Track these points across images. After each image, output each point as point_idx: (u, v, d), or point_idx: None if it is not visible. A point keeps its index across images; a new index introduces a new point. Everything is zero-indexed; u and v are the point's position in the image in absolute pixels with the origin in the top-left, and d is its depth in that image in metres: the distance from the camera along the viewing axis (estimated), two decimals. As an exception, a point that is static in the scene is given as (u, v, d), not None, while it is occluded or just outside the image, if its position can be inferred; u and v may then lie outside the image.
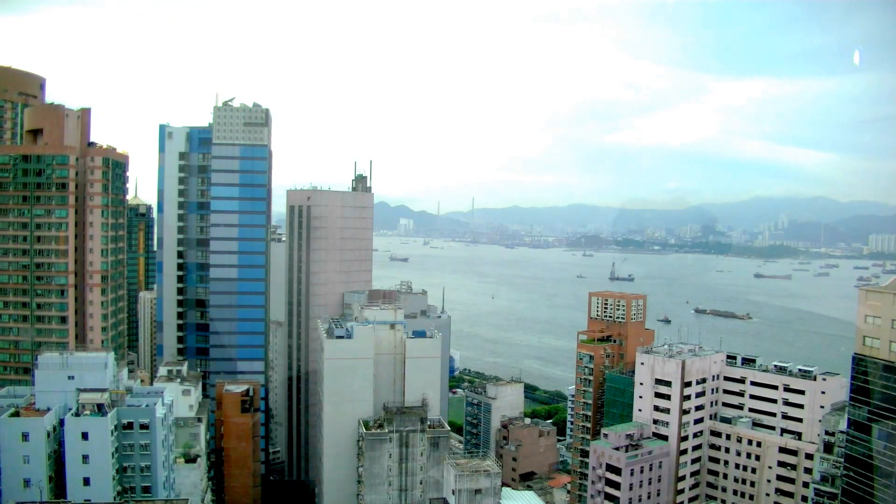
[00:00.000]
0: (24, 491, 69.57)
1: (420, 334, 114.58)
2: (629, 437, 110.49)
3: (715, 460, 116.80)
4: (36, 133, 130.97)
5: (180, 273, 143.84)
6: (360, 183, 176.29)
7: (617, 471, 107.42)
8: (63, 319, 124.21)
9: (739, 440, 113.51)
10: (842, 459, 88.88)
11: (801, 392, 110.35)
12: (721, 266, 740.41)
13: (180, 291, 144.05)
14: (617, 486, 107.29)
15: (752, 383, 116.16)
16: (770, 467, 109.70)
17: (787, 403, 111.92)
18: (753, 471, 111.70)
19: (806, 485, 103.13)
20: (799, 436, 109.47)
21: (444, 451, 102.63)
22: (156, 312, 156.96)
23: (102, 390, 75.29)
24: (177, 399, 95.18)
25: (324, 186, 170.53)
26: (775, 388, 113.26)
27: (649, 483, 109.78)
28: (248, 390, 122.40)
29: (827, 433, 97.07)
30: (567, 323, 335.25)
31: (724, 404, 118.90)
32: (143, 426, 75.73)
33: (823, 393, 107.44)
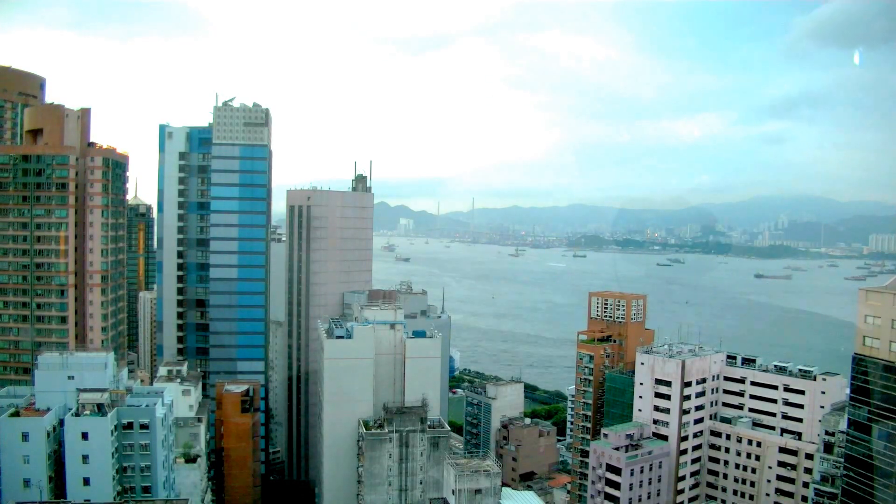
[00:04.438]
0: (24, 491, 69.52)
1: (420, 334, 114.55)
2: (629, 437, 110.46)
3: (715, 460, 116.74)
4: (36, 133, 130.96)
5: (180, 273, 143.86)
6: (360, 183, 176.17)
7: (617, 471, 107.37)
8: (63, 319, 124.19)
9: (739, 440, 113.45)
10: (842, 459, 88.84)
11: (801, 392, 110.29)
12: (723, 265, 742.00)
13: (180, 291, 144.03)
14: (617, 486, 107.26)
15: (752, 383, 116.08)
16: (770, 467, 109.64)
17: (787, 403, 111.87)
18: (753, 471, 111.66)
19: (806, 485, 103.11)
20: (799, 436, 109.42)
21: (444, 451, 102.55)
22: (156, 312, 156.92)
23: (102, 390, 75.21)
24: (177, 399, 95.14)
25: (324, 186, 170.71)
26: (775, 388, 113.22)
27: (649, 483, 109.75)
28: (248, 390, 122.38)
29: (827, 433, 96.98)
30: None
31: (724, 404, 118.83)
32: (143, 426, 75.66)
33: (823, 393, 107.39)
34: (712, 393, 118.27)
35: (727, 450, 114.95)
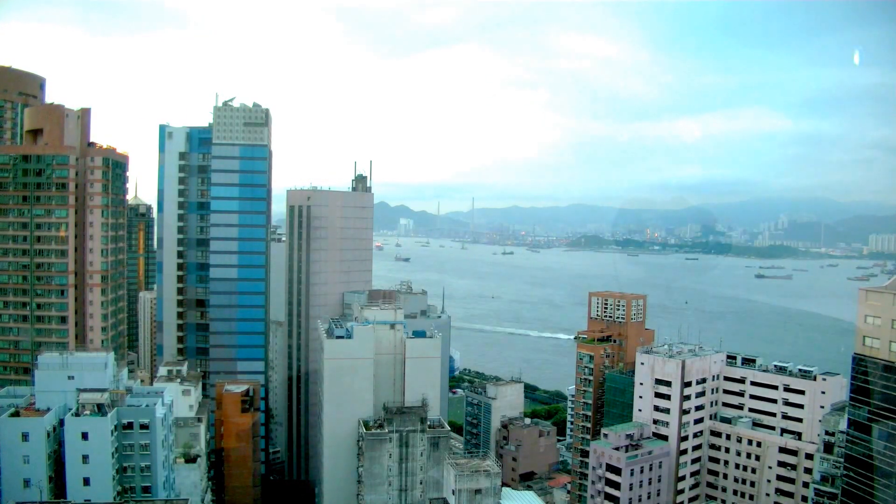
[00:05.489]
0: (24, 491, 69.44)
1: (420, 334, 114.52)
2: (629, 437, 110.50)
3: (715, 460, 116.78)
4: (36, 133, 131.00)
5: (180, 273, 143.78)
6: (360, 183, 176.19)
7: (617, 471, 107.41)
8: (63, 319, 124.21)
9: (739, 440, 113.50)
10: (842, 459, 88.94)
11: (801, 392, 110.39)
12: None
13: (180, 291, 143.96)
14: (617, 486, 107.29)
15: (752, 383, 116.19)
16: (770, 467, 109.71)
17: (787, 403, 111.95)
18: (753, 471, 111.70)
19: (806, 485, 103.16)
20: (799, 436, 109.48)
21: (444, 451, 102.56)
22: (156, 312, 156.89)
23: (102, 390, 75.13)
24: (177, 399, 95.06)
25: (324, 186, 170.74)
26: (775, 388, 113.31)
27: (649, 483, 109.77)
28: (248, 390, 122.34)
29: (827, 433, 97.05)
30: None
31: (724, 404, 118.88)
32: (143, 426, 75.57)
33: (823, 393, 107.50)
34: (712, 393, 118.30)
35: (727, 450, 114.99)
